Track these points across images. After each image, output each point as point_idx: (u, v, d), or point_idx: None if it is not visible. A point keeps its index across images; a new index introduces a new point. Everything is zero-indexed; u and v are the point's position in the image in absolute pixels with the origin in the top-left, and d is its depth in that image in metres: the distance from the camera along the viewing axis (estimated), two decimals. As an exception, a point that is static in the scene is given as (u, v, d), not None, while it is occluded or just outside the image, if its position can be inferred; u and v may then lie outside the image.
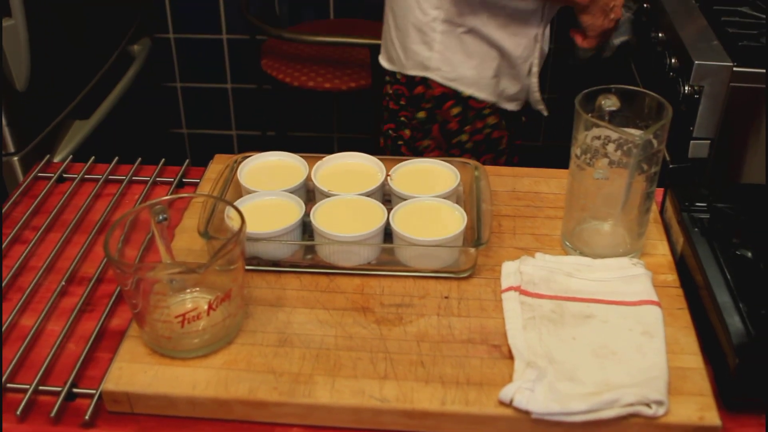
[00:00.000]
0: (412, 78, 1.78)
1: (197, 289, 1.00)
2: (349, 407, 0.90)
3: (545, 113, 1.90)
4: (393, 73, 1.82)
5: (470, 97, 1.76)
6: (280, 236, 1.08)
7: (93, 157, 1.38)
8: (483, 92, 1.77)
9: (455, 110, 1.78)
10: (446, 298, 1.04)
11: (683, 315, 1.01)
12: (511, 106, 1.83)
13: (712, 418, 0.88)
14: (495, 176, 1.27)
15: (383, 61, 1.86)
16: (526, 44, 1.75)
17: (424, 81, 1.76)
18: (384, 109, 1.89)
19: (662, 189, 1.20)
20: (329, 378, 0.92)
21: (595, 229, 1.11)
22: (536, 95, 1.85)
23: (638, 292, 1.02)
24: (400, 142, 1.86)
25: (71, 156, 1.44)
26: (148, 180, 1.32)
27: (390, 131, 1.88)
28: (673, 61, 1.83)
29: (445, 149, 1.83)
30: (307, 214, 1.11)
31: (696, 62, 1.71)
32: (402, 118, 1.83)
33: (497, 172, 1.29)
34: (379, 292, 1.05)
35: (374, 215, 1.10)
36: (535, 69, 1.80)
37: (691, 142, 1.77)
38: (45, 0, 2.00)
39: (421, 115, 1.81)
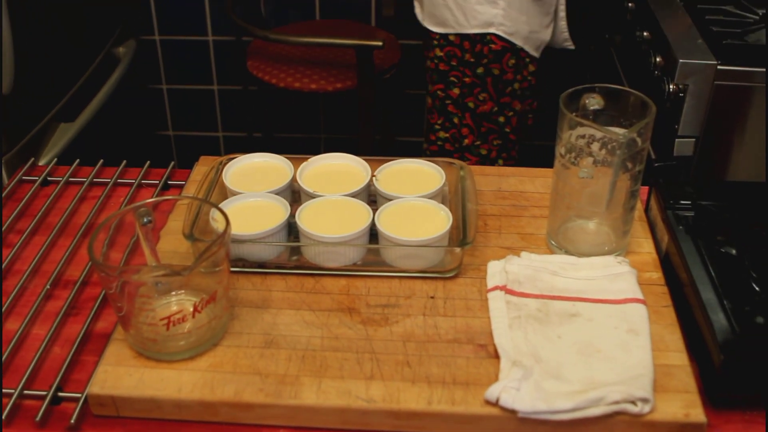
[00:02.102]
0: (469, 36, 1.98)
1: (182, 291, 1.00)
2: (336, 408, 0.90)
3: (572, 47, 2.13)
4: (445, 36, 2.01)
5: (521, 49, 2.00)
6: (265, 238, 1.08)
7: (78, 160, 1.37)
8: (528, 44, 2.00)
9: (512, 61, 2.00)
10: (432, 298, 1.04)
11: (668, 312, 1.01)
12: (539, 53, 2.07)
13: (698, 415, 0.88)
14: (480, 176, 1.27)
15: (432, 26, 2.05)
16: None
17: (483, 38, 1.97)
18: (432, 72, 2.08)
19: (647, 187, 1.21)
20: (315, 379, 0.92)
21: (580, 227, 1.11)
22: (565, 35, 2.07)
23: (623, 290, 1.02)
24: (448, 101, 2.07)
25: (56, 159, 1.43)
26: (134, 182, 1.31)
27: (439, 92, 2.07)
28: (657, 59, 1.84)
29: (496, 99, 2.04)
30: (292, 215, 1.11)
31: (680, 61, 1.72)
32: (452, 78, 2.04)
33: (482, 172, 1.29)
34: (365, 293, 1.05)
35: (360, 216, 1.10)
36: (563, 14, 2.03)
37: (676, 140, 1.77)
38: (30, 2, 2.00)
39: (480, 70, 2.00)
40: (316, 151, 1.23)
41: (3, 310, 1.06)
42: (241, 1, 2.85)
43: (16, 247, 1.17)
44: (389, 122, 2.99)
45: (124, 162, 1.36)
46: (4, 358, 0.98)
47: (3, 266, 1.13)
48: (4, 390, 0.94)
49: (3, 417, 0.91)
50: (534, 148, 3.08)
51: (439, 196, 1.17)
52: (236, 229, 1.05)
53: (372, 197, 1.19)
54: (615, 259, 1.06)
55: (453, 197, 1.18)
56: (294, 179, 1.18)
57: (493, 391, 0.88)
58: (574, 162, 1.05)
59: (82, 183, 1.32)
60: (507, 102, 2.08)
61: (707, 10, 1.93)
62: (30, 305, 1.06)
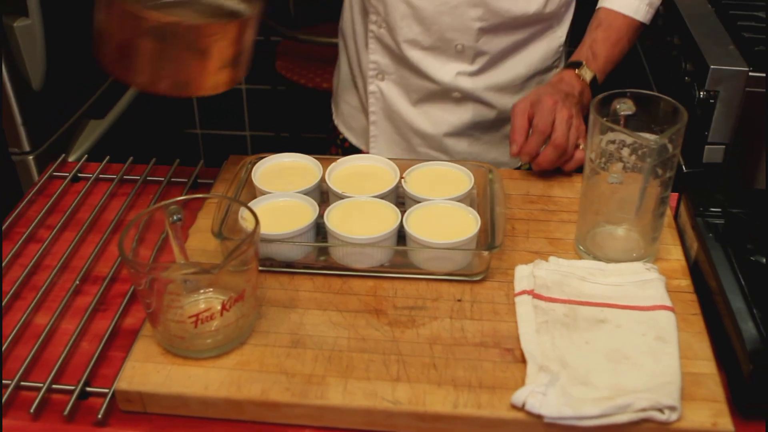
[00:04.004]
0: None
1: (211, 289, 1.00)
2: (362, 409, 0.90)
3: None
4: None
5: None
6: (293, 238, 1.08)
7: (108, 157, 1.38)
8: None
9: None
10: (459, 301, 1.04)
11: (697, 320, 1.01)
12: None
13: (726, 424, 0.87)
14: (509, 179, 1.27)
15: None
16: None
17: None
18: None
19: (677, 194, 1.20)
20: (341, 379, 0.92)
21: (609, 233, 1.11)
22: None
23: (652, 297, 1.01)
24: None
25: (86, 155, 1.44)
26: (163, 180, 1.32)
27: None
28: (688, 65, 1.82)
29: None
30: (320, 215, 1.11)
31: (711, 67, 1.70)
32: None
33: (511, 176, 1.29)
34: (392, 295, 1.05)
35: (388, 217, 1.10)
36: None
37: (706, 146, 1.76)
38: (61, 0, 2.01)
39: None
40: (345, 152, 1.23)
41: (33, 304, 1.06)
42: (270, 1, 2.86)
43: (46, 242, 1.18)
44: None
45: (154, 159, 1.37)
46: (33, 352, 0.99)
47: (33, 261, 1.14)
48: (33, 384, 0.95)
49: (32, 410, 0.92)
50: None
51: (468, 199, 1.17)
52: (265, 229, 1.05)
53: (400, 199, 1.19)
54: (644, 266, 1.06)
55: (481, 200, 1.18)
56: (323, 180, 1.19)
57: (519, 396, 0.88)
58: (604, 167, 1.04)
59: (112, 180, 1.33)
60: None
61: (739, 16, 1.91)
62: (59, 300, 1.07)
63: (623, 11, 1.46)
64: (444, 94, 1.49)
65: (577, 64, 1.42)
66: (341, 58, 1.68)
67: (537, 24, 1.48)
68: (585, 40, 1.47)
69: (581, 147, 1.28)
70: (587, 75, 1.41)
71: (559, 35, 1.53)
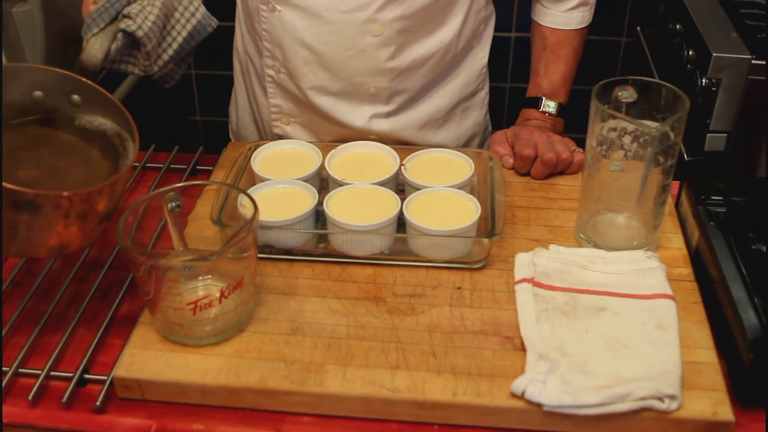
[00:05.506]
0: None
1: (209, 276, 1.00)
2: (360, 397, 0.89)
3: None
4: None
5: None
6: (293, 225, 1.08)
7: (107, 143, 1.37)
8: None
9: None
10: (459, 288, 1.04)
11: (697, 309, 1.00)
12: None
13: (726, 413, 0.87)
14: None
15: None
16: None
17: None
18: None
19: (678, 182, 1.20)
20: (340, 367, 0.92)
21: (610, 221, 1.10)
22: None
23: (652, 285, 1.01)
24: None
25: (85, 142, 1.44)
26: (162, 167, 1.32)
27: None
28: (690, 53, 1.81)
29: None
30: (320, 202, 1.11)
31: (714, 54, 1.70)
32: None
33: (512, 163, 1.29)
34: (392, 282, 1.05)
35: (388, 205, 1.10)
36: None
37: (708, 135, 1.75)
38: (61, -15, 2.00)
39: None
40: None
41: (32, 292, 1.06)
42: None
43: (45, 228, 1.18)
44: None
45: (153, 146, 1.37)
46: (32, 339, 0.99)
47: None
48: (31, 371, 0.95)
49: (30, 397, 0.92)
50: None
51: (468, 187, 1.16)
52: (264, 216, 1.05)
53: (400, 186, 1.19)
54: (644, 254, 1.05)
55: (481, 188, 1.17)
56: (322, 166, 1.18)
57: (519, 384, 0.88)
58: (605, 155, 1.04)
59: (111, 166, 1.32)
60: None
61: (741, 3, 1.90)
62: (58, 287, 1.07)
63: (567, 27, 1.41)
64: (359, 136, 1.35)
65: (538, 101, 1.40)
66: (238, 89, 1.55)
67: (455, 51, 1.38)
68: (536, 68, 1.43)
69: (578, 150, 1.27)
70: (552, 108, 1.40)
71: (481, 56, 1.44)
